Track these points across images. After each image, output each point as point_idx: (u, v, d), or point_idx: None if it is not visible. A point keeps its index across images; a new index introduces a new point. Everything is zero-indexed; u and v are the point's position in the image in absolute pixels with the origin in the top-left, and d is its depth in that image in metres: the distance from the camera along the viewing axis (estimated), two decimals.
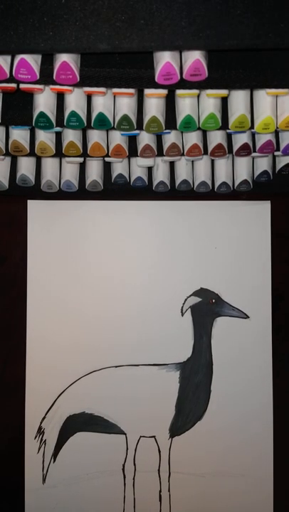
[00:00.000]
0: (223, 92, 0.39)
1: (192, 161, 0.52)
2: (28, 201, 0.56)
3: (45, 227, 0.56)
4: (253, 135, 0.47)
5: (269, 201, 0.57)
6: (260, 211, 0.57)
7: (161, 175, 0.52)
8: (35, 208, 0.56)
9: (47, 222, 0.56)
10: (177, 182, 0.52)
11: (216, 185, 0.52)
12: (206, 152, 0.47)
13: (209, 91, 0.39)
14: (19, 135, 0.44)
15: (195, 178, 0.52)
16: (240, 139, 0.46)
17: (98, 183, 0.52)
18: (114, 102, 0.41)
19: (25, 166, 0.50)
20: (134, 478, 0.56)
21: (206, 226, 0.57)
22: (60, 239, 0.56)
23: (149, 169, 0.53)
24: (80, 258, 0.56)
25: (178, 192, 0.53)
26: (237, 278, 0.57)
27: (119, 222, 0.57)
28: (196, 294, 0.56)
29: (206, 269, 0.57)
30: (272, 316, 0.57)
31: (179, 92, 0.39)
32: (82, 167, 0.52)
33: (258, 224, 0.57)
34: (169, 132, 0.46)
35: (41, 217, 0.56)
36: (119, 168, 0.52)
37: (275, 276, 0.57)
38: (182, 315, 0.56)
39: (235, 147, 0.46)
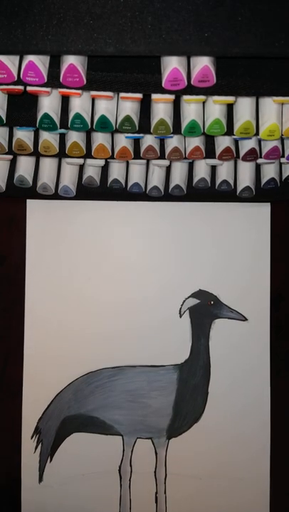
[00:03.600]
0: (230, 99, 0.39)
1: (188, 163, 0.52)
2: (28, 201, 0.56)
3: (44, 227, 0.56)
4: (260, 140, 0.46)
5: (269, 203, 0.57)
6: (260, 213, 0.57)
7: (155, 180, 0.52)
8: (34, 208, 0.56)
9: (46, 222, 0.56)
10: (171, 186, 0.52)
11: (217, 183, 0.52)
12: (207, 155, 0.47)
13: (216, 97, 0.39)
14: (24, 134, 0.44)
15: (194, 175, 0.52)
16: (247, 144, 0.46)
17: (94, 179, 0.51)
18: (118, 105, 0.41)
19: (24, 167, 0.49)
20: (130, 480, 0.56)
21: (205, 228, 0.57)
22: (59, 238, 0.56)
23: (146, 174, 0.52)
24: (78, 258, 0.56)
25: (172, 197, 0.53)
26: (236, 280, 0.57)
27: (119, 222, 0.57)
28: (194, 295, 0.57)
29: (204, 271, 0.57)
30: (272, 315, 0.57)
31: (185, 97, 0.39)
32: (81, 170, 0.52)
33: (257, 226, 0.57)
34: (172, 136, 0.45)
35: (40, 216, 0.56)
36: (115, 173, 0.51)
37: (275, 275, 0.57)
38: (180, 316, 0.56)
39: (242, 152, 0.46)
